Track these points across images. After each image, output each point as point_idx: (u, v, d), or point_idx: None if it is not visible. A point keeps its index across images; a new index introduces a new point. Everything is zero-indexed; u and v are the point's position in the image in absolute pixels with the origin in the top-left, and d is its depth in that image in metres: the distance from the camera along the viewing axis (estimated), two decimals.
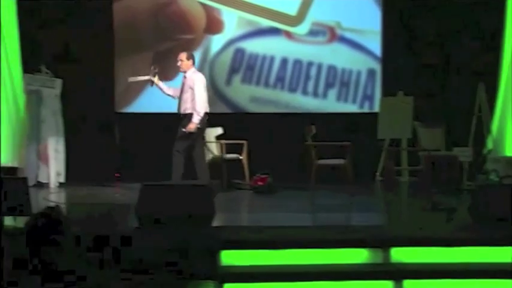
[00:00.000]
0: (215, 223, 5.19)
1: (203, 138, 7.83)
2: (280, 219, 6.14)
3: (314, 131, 7.86)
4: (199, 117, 7.34)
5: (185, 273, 4.26)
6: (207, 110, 7.55)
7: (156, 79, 7.72)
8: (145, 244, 4.43)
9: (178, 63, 7.57)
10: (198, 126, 7.37)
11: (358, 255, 4.75)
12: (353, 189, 7.37)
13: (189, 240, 4.52)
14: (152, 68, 7.80)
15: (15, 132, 8.87)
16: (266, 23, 9.63)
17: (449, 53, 9.69)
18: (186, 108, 7.46)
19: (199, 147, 7.59)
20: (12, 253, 3.50)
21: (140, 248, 4.40)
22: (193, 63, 7.62)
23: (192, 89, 7.42)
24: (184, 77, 7.55)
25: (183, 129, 7.39)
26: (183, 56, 7.56)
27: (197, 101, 7.36)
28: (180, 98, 7.54)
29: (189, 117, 7.41)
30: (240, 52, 9.64)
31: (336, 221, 6.14)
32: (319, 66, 9.66)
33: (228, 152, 8.55)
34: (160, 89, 7.77)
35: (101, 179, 8.93)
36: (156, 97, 9.54)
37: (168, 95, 7.74)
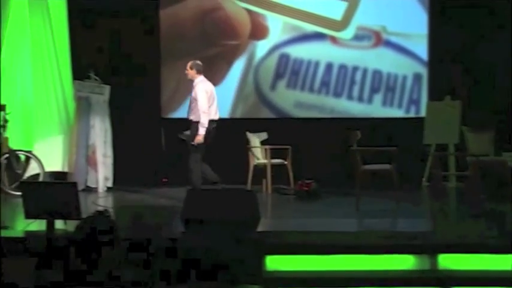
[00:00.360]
0: (260, 228, 5.21)
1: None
2: (325, 224, 6.13)
3: (359, 136, 7.81)
4: (204, 129, 7.48)
5: (230, 278, 4.28)
6: (215, 118, 7.69)
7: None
8: (191, 248, 4.48)
9: (186, 72, 7.77)
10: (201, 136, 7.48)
11: (405, 262, 4.70)
12: (399, 195, 7.29)
13: (234, 245, 4.55)
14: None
15: (65, 138, 9.07)
16: (311, 28, 9.62)
17: None
18: (192, 116, 7.64)
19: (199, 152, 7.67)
20: (62, 256, 3.58)
21: (186, 252, 4.45)
22: (199, 72, 7.73)
23: (196, 99, 7.59)
24: (193, 86, 7.72)
25: (191, 143, 7.54)
26: (187, 65, 7.78)
27: (200, 113, 7.50)
28: (189, 106, 7.75)
29: (194, 126, 7.55)
30: (284, 57, 9.66)
31: (381, 227, 6.09)
32: (365, 71, 9.61)
33: (272, 157, 8.57)
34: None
35: (148, 183, 9.05)
36: None
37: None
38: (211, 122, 7.59)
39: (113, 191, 8.86)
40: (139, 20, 9.54)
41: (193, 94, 7.67)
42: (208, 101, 7.58)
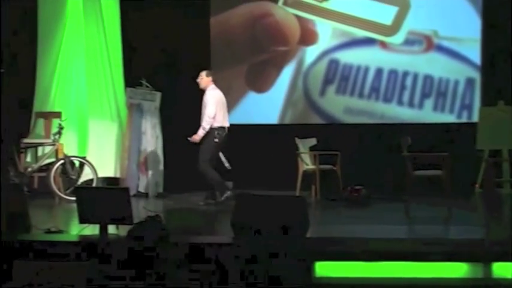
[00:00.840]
0: (309, 234, 5.20)
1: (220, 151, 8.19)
2: (375, 231, 6.08)
3: (410, 141, 7.72)
4: (203, 131, 7.88)
5: (279, 283, 4.29)
6: (226, 125, 7.99)
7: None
8: (241, 254, 4.51)
9: (198, 80, 8.05)
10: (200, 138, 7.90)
11: (457, 270, 4.63)
12: (450, 202, 7.18)
13: (284, 251, 4.56)
14: None
15: (117, 144, 9.24)
16: (361, 33, 9.57)
17: None
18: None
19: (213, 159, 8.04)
20: (116, 259, 3.66)
21: (235, 257, 4.48)
22: (212, 81, 8.04)
23: (206, 104, 7.91)
24: (205, 94, 7.98)
25: (188, 138, 7.96)
26: (203, 73, 8.07)
27: (205, 116, 7.88)
28: (201, 111, 8.03)
29: (209, 131, 7.93)
30: (334, 63, 9.64)
31: (433, 233, 6.00)
32: (415, 76, 9.50)
33: (321, 163, 8.55)
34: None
35: (197, 189, 9.13)
36: (251, 108, 9.74)
37: None
38: (222, 128, 7.96)
39: (163, 196, 8.98)
40: (190, 27, 9.65)
41: (204, 100, 8.00)
42: (216, 108, 7.90)
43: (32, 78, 9.21)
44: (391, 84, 9.55)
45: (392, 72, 9.55)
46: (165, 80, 9.46)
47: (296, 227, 5.08)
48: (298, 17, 9.67)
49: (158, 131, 9.20)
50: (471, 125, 9.06)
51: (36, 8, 9.11)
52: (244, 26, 9.77)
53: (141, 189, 9.07)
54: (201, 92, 9.62)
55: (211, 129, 7.93)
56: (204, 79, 8.08)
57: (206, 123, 7.89)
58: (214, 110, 7.89)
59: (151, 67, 9.54)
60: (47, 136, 9.02)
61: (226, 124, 8.05)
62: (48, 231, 5.47)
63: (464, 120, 9.41)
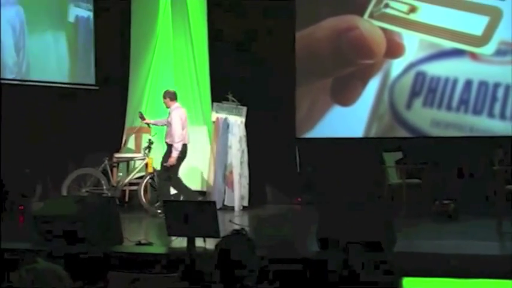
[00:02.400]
0: (396, 249, 5.13)
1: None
2: (464, 247, 5.92)
3: (502, 154, 7.49)
4: (177, 152, 8.13)
5: None
6: (186, 142, 8.23)
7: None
8: (325, 268, 4.50)
9: (164, 101, 8.35)
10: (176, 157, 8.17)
11: None
12: None
13: (370, 266, 4.52)
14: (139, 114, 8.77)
15: (204, 158, 9.42)
16: (449, 44, 9.37)
17: None
18: (167, 140, 8.32)
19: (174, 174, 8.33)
20: (202, 273, 3.74)
21: (320, 272, 4.48)
22: (172, 99, 8.35)
23: (171, 124, 8.21)
24: (169, 113, 8.33)
25: (164, 164, 8.22)
26: (165, 94, 8.37)
27: (174, 136, 8.16)
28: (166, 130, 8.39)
29: (169, 148, 8.24)
30: (421, 75, 9.47)
31: None
32: (507, 88, 9.19)
33: (408, 177, 8.40)
34: (155, 124, 8.71)
35: (282, 202, 9.18)
36: (336, 122, 9.69)
37: (163, 124, 8.52)
38: (185, 145, 8.28)
39: (249, 210, 9.06)
40: (276, 41, 9.73)
41: (168, 119, 8.29)
42: (181, 126, 8.23)
43: (125, 95, 9.53)
44: (481, 96, 9.28)
45: (483, 84, 9.28)
46: (251, 94, 9.55)
47: (383, 241, 5.02)
48: (384, 29, 9.57)
49: (244, 145, 9.31)
50: None
51: (129, 26, 9.44)
52: (329, 40, 9.76)
53: (227, 202, 9.18)
54: (288, 106, 9.73)
55: (170, 146, 8.26)
56: (166, 101, 8.38)
57: (178, 144, 8.18)
58: (181, 130, 8.21)
59: (237, 81, 9.66)
60: (138, 151, 9.32)
61: (187, 141, 8.40)
62: (139, 243, 5.64)
63: None
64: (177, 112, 8.34)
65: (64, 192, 8.46)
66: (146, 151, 8.89)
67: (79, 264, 4.72)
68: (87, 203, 5.64)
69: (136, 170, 9.01)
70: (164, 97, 8.40)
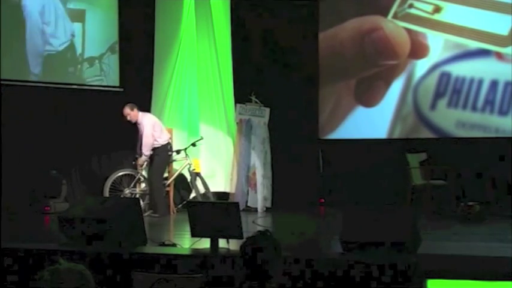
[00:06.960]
0: (421, 250, 5.09)
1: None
2: (490, 249, 5.86)
3: None
4: (145, 157, 8.45)
5: None
6: (169, 141, 8.56)
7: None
8: (349, 270, 4.48)
9: (128, 118, 8.40)
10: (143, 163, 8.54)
11: None
12: None
13: (395, 268, 4.49)
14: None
15: (227, 160, 9.44)
16: (474, 44, 9.28)
17: None
18: (144, 150, 8.49)
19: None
20: (226, 274, 3.75)
21: (344, 273, 4.46)
22: (138, 109, 8.47)
23: (143, 134, 8.41)
24: (138, 124, 8.45)
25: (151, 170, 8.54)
26: (127, 110, 8.42)
27: (143, 143, 8.39)
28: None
29: (160, 148, 8.48)
30: (445, 76, 9.40)
31: None
32: None
33: (432, 178, 8.34)
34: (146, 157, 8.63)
35: (305, 204, 9.15)
36: (360, 123, 9.66)
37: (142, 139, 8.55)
38: (169, 144, 8.56)
39: (272, 211, 9.06)
40: (299, 43, 9.73)
41: (140, 128, 8.47)
42: (155, 130, 8.42)
43: (148, 97, 9.58)
44: (507, 96, 9.17)
45: (509, 84, 9.18)
46: (274, 95, 9.55)
47: (407, 243, 4.99)
48: (408, 30, 9.51)
49: (267, 146, 9.31)
50: None
51: (153, 29, 9.48)
52: (353, 41, 9.73)
53: (250, 204, 9.19)
54: (311, 107, 9.72)
55: (162, 146, 8.48)
56: (132, 114, 8.44)
57: (146, 150, 8.40)
58: (151, 138, 8.37)
59: (260, 83, 9.68)
60: None
61: (168, 140, 8.62)
62: (163, 244, 5.67)
63: None
64: (147, 120, 8.49)
65: (106, 193, 8.52)
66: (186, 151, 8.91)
67: (103, 265, 4.76)
68: (111, 204, 5.68)
69: (180, 169, 8.97)
70: (132, 110, 8.45)
